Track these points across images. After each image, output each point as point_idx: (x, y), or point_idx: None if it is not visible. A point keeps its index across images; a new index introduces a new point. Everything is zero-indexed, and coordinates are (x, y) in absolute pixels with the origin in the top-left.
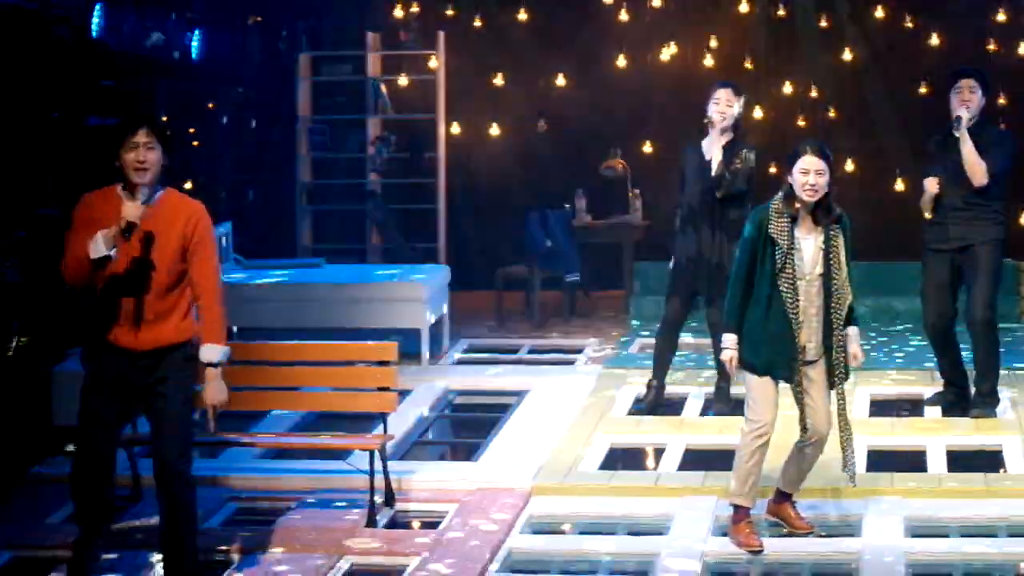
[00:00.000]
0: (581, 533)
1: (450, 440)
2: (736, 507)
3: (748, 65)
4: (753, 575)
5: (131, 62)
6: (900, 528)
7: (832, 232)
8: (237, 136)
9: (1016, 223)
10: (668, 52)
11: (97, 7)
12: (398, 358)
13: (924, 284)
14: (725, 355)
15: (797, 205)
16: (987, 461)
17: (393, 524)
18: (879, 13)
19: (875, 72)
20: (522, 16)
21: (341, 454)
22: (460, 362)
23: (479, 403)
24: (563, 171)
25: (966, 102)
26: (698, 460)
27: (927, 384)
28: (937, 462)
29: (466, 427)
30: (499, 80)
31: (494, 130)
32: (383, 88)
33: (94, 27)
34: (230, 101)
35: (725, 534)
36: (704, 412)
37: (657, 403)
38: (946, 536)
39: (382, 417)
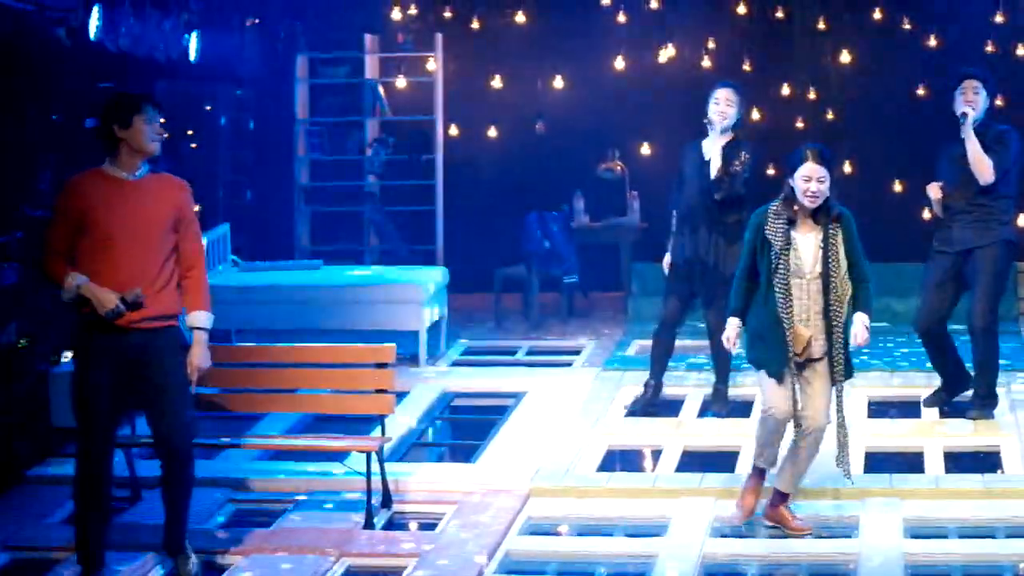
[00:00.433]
0: (579, 534)
1: (448, 442)
2: (754, 467)
3: (746, 67)
4: None
5: (129, 64)
6: (898, 529)
7: (831, 231)
8: (235, 137)
9: (1014, 224)
10: (666, 54)
11: (95, 8)
12: (396, 360)
13: (924, 285)
14: (725, 334)
15: (796, 207)
16: (985, 462)
17: (391, 526)
18: (877, 15)
19: (873, 74)
20: (520, 18)
21: (339, 456)
22: (458, 364)
23: (477, 405)
24: (561, 172)
25: (970, 103)
26: (695, 462)
27: (926, 386)
28: (935, 463)
29: (464, 429)
30: (497, 82)
31: (492, 132)
32: (381, 90)
33: (92, 29)
34: (228, 103)
35: (723, 535)
36: (702, 413)
37: (651, 403)
38: (944, 537)
39: (380, 419)
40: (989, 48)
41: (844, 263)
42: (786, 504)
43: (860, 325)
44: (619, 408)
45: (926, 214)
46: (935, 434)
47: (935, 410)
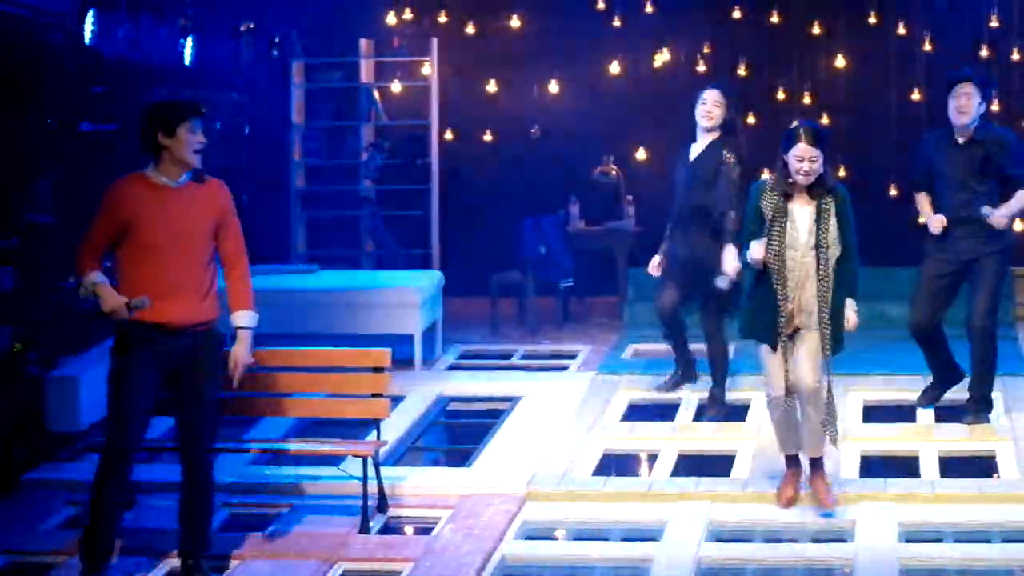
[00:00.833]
0: (575, 539)
1: (443, 446)
2: (786, 459)
3: (741, 71)
4: None
5: (125, 68)
6: (894, 533)
7: (824, 204)
8: (231, 142)
9: (1011, 230)
10: (661, 58)
11: (90, 13)
12: (391, 364)
13: (918, 285)
14: (752, 251)
15: (791, 181)
16: (980, 466)
17: (386, 530)
18: (871, 19)
19: (867, 78)
20: (515, 23)
21: (334, 460)
22: (453, 368)
23: (473, 409)
24: (557, 177)
25: (963, 109)
26: (691, 466)
27: (920, 389)
28: (930, 467)
29: (459, 433)
30: (492, 86)
31: (488, 136)
32: (376, 95)
33: (87, 33)
34: (224, 107)
35: (719, 539)
36: (698, 417)
37: (688, 373)
38: (940, 541)
39: (375, 423)
40: (983, 52)
41: (835, 233)
42: (822, 471)
43: (849, 311)
44: (615, 412)
45: (921, 218)
46: (931, 438)
47: (931, 414)
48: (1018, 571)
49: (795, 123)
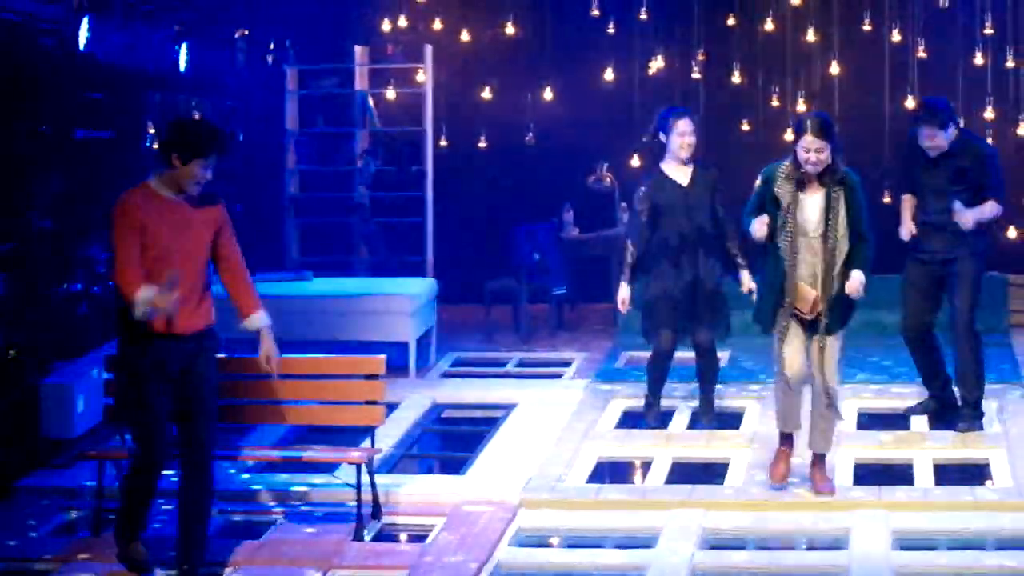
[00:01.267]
0: (569, 546)
1: (438, 453)
2: (780, 435)
3: (735, 79)
4: None
5: (119, 75)
6: (887, 541)
7: (833, 192)
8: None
9: (1004, 237)
10: (656, 65)
11: (85, 19)
12: (385, 371)
13: (904, 289)
14: (755, 224)
15: (802, 170)
16: (974, 474)
17: (380, 538)
18: (866, 26)
19: (862, 85)
20: (509, 30)
21: (328, 467)
22: (447, 375)
23: (467, 416)
24: (550, 184)
25: (930, 147)
26: (685, 474)
27: (916, 398)
28: (924, 475)
29: (454, 440)
30: (486, 93)
31: (482, 143)
32: (371, 101)
33: (82, 40)
34: (218, 114)
35: (713, 547)
36: (692, 425)
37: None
38: (933, 549)
39: (369, 430)
40: (978, 60)
41: (844, 224)
42: (822, 464)
43: (855, 279)
44: (609, 420)
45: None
46: (924, 446)
47: (924, 422)
48: None
49: (804, 114)
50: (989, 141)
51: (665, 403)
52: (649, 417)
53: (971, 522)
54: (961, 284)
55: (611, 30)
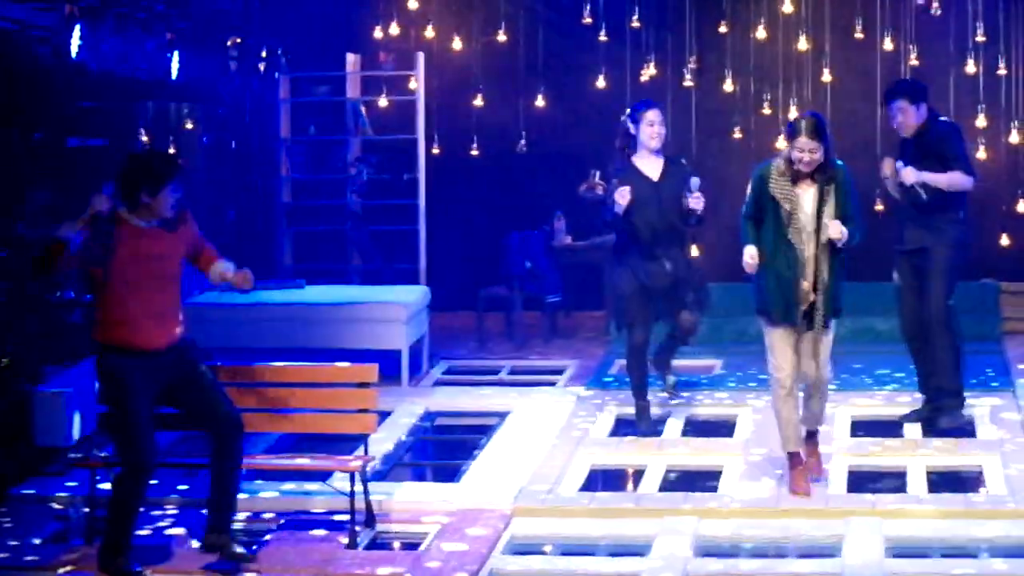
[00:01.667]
0: (562, 554)
1: (431, 461)
2: (789, 455)
3: (727, 86)
4: None
5: (111, 83)
6: (881, 548)
7: (825, 188)
8: (217, 157)
9: (997, 244)
10: (648, 73)
11: (77, 28)
12: (378, 379)
13: (896, 285)
14: (745, 257)
15: (796, 168)
16: (967, 481)
17: (374, 545)
18: (858, 34)
19: (854, 93)
20: (501, 37)
21: (321, 476)
22: (440, 383)
23: (460, 424)
24: (543, 192)
25: (900, 126)
26: (679, 481)
27: (909, 405)
28: (917, 482)
29: (447, 448)
30: (479, 101)
31: (474, 151)
32: (363, 109)
33: (74, 48)
34: (210, 122)
35: (706, 554)
36: (685, 432)
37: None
38: (926, 556)
39: (363, 438)
40: (970, 67)
41: (834, 214)
42: (816, 444)
43: (838, 223)
44: (602, 427)
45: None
46: (918, 453)
47: (918, 429)
48: None
49: (798, 115)
50: (981, 149)
51: (657, 411)
52: (641, 424)
53: (964, 530)
54: (934, 274)
55: (603, 37)
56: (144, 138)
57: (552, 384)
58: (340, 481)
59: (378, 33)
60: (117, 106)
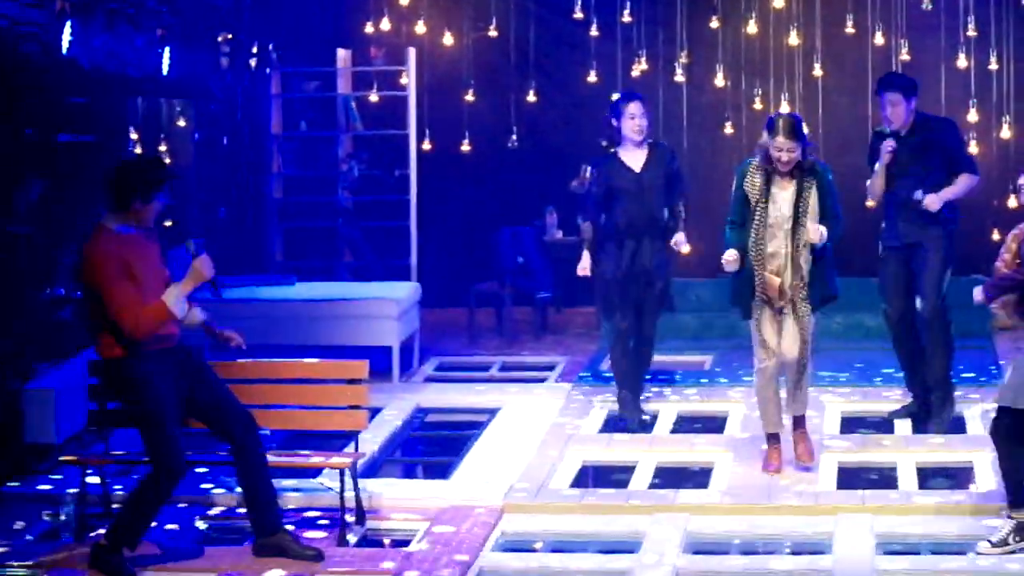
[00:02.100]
0: (553, 551)
1: (421, 458)
2: (768, 436)
3: (718, 81)
4: None
5: (102, 79)
6: (871, 544)
7: (805, 184)
8: (208, 153)
9: (988, 240)
10: (639, 68)
11: (67, 24)
12: (369, 376)
13: (881, 280)
14: (725, 258)
15: (773, 164)
16: (957, 478)
17: (364, 542)
18: (849, 29)
19: (845, 88)
20: (492, 32)
21: (312, 472)
22: (431, 379)
23: (450, 420)
24: (534, 187)
25: (892, 118)
26: (669, 478)
27: (898, 401)
28: (907, 479)
29: (437, 445)
30: (470, 96)
31: (465, 147)
32: (354, 105)
33: (65, 44)
34: (201, 118)
35: (697, 551)
36: (675, 430)
37: (638, 415)
38: (916, 553)
39: (353, 435)
40: (961, 62)
41: (813, 214)
42: (805, 429)
43: (817, 226)
44: (593, 424)
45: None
46: (908, 449)
47: (908, 425)
48: None
49: (776, 113)
50: (973, 144)
51: (648, 406)
52: (627, 414)
53: (954, 526)
54: (928, 267)
55: (594, 33)
56: (134, 135)
57: (543, 380)
58: (330, 478)
59: (369, 28)
60: (108, 102)
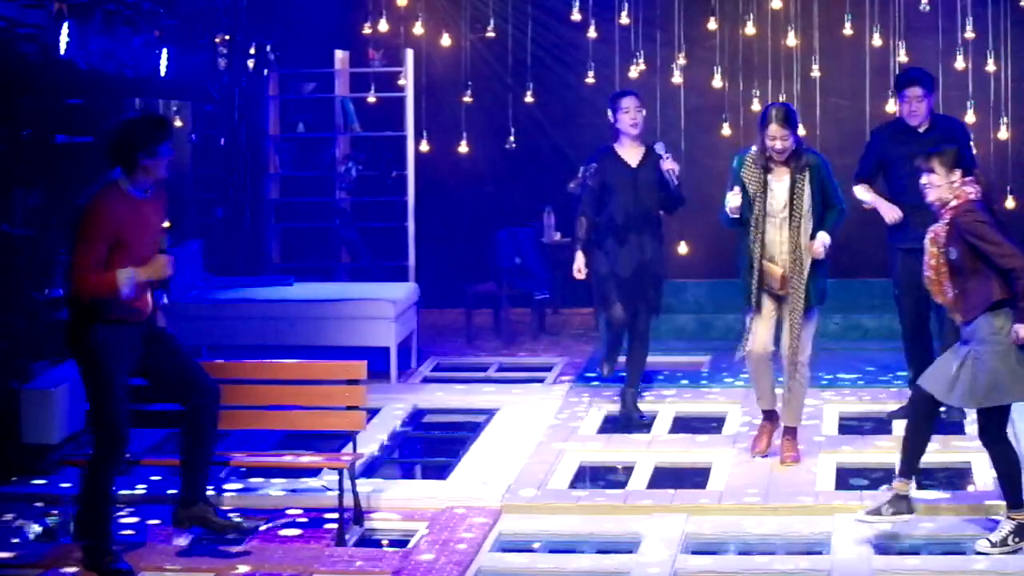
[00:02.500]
0: (551, 551)
1: (419, 458)
2: (763, 412)
3: (716, 82)
4: None
5: (99, 80)
6: (869, 545)
7: (799, 176)
8: (206, 154)
9: None
10: (637, 69)
11: (65, 25)
12: (367, 376)
13: (896, 287)
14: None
15: (768, 156)
16: (955, 478)
17: (362, 543)
18: (847, 30)
19: (843, 89)
20: (490, 34)
21: (310, 473)
22: (429, 380)
23: (448, 421)
24: (532, 188)
25: (914, 112)
26: (667, 478)
27: (897, 401)
28: None
29: (435, 445)
30: (468, 98)
31: (463, 148)
32: (351, 106)
33: (62, 45)
34: (199, 119)
35: (695, 552)
36: (673, 430)
37: (631, 412)
38: (915, 553)
39: (351, 435)
40: (959, 63)
41: (809, 204)
42: (793, 437)
43: (819, 240)
44: (591, 424)
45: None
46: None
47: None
48: None
49: (770, 104)
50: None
51: (646, 407)
52: (604, 368)
53: (952, 526)
54: None
55: (592, 34)
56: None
57: (540, 381)
58: (328, 478)
59: (367, 30)
60: (105, 103)
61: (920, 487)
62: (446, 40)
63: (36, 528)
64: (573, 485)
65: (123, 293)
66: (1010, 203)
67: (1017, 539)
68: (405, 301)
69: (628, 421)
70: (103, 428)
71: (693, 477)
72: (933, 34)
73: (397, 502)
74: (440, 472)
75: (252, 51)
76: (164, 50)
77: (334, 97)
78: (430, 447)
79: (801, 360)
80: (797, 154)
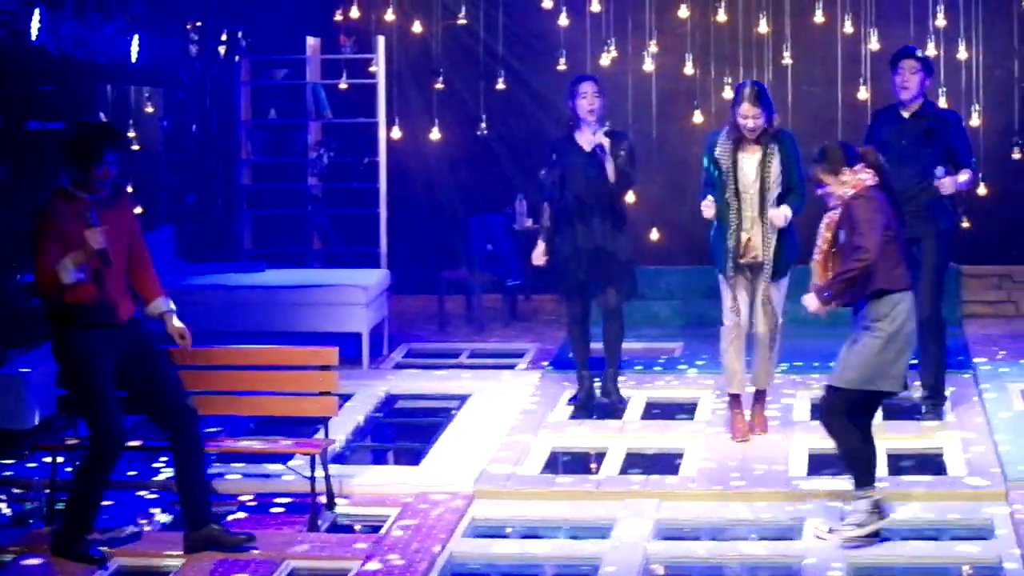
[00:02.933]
0: (523, 536)
1: (392, 444)
2: (730, 397)
3: (688, 70)
4: None
5: (71, 66)
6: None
7: (769, 150)
8: (177, 140)
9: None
10: (608, 57)
11: (36, 11)
12: (339, 362)
13: None
14: (703, 205)
15: (742, 133)
16: (928, 464)
17: (335, 528)
18: (818, 17)
19: (815, 76)
20: (462, 21)
21: (282, 458)
22: (401, 366)
23: (420, 407)
24: (504, 175)
25: (905, 84)
26: (639, 464)
27: None
28: (879, 465)
29: (408, 431)
30: (439, 84)
31: (435, 134)
32: (323, 92)
33: (34, 31)
34: (170, 105)
35: (667, 537)
36: (645, 416)
37: (590, 397)
38: (888, 540)
39: (323, 421)
40: (930, 51)
41: (777, 177)
42: (764, 404)
43: (780, 210)
44: (563, 410)
45: None
46: (879, 436)
47: (879, 412)
48: (966, 569)
49: (742, 82)
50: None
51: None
52: (580, 393)
53: (925, 512)
54: (924, 270)
55: (563, 21)
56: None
57: (512, 367)
58: (301, 464)
59: (339, 16)
60: (77, 90)
61: (892, 473)
62: (417, 27)
63: (7, 512)
64: (545, 471)
65: (71, 279)
66: (982, 190)
67: (875, 516)
68: (377, 287)
69: (588, 403)
70: (96, 435)
71: (665, 463)
72: (904, 21)
73: (369, 488)
74: (413, 458)
75: (224, 37)
76: (136, 36)
77: (306, 84)
78: (402, 433)
79: (772, 326)
80: (767, 131)
